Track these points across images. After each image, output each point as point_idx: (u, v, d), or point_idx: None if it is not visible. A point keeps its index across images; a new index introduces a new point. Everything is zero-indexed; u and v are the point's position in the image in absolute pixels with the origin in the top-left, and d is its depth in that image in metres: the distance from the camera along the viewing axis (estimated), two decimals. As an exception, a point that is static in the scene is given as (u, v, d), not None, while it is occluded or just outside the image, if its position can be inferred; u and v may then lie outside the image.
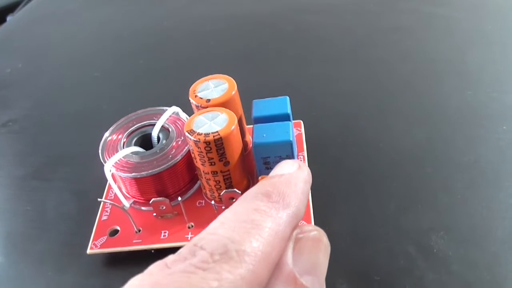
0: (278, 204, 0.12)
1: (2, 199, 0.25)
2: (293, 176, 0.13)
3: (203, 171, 0.19)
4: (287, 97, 0.21)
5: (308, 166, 0.22)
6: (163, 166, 0.19)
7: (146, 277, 0.10)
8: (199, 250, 0.10)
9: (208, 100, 0.20)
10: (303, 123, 0.24)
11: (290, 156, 0.19)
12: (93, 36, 0.40)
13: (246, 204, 0.12)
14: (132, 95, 0.31)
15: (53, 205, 0.24)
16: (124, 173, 0.19)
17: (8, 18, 0.58)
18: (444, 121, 0.24)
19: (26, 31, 0.44)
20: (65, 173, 0.26)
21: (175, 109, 0.22)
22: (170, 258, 0.10)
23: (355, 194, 0.21)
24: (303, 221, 0.19)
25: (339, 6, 0.37)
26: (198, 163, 0.19)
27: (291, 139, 0.19)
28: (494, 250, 0.18)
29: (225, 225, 0.11)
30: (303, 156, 0.22)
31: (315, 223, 0.19)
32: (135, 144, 0.21)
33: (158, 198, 0.19)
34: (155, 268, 0.10)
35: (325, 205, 0.21)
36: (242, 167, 0.20)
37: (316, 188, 0.21)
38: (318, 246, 0.12)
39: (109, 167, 0.19)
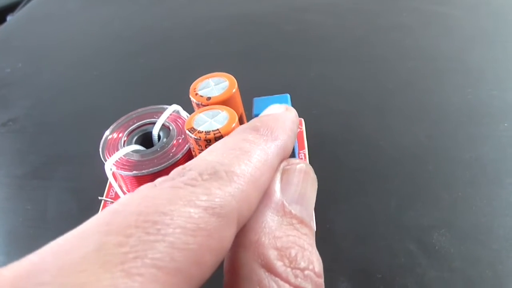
0: (267, 136, 0.12)
1: (2, 198, 0.25)
2: (281, 115, 0.13)
3: (204, 169, 0.19)
4: (288, 95, 0.21)
5: (309, 164, 0.22)
6: (164, 164, 0.19)
7: (135, 193, 0.10)
8: (187, 172, 0.10)
9: (209, 98, 0.20)
10: (304, 121, 0.24)
11: (292, 154, 0.19)
12: (93, 35, 0.40)
13: (235, 135, 0.12)
14: (132, 94, 0.31)
15: (53, 204, 0.24)
16: (125, 171, 0.19)
17: (8, 17, 0.58)
18: (445, 119, 0.24)
19: (26, 31, 0.44)
20: (65, 172, 0.26)
21: (175, 107, 0.22)
22: (159, 179, 0.10)
23: (356, 192, 0.21)
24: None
25: (339, 5, 0.37)
26: (199, 161, 0.19)
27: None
28: (496, 247, 0.18)
29: (213, 152, 0.11)
30: (304, 154, 0.22)
31: (316, 221, 0.19)
32: (136, 143, 0.21)
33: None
34: (143, 187, 0.10)
35: (326, 203, 0.21)
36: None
37: (317, 186, 0.21)
38: (305, 177, 0.12)
39: (109, 166, 0.19)
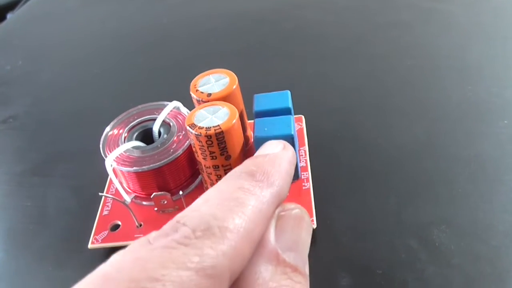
0: (262, 183, 0.12)
1: (2, 195, 0.25)
2: (277, 156, 0.13)
3: (205, 165, 0.19)
4: (288, 91, 0.21)
5: (309, 161, 0.22)
6: (164, 161, 0.19)
7: (128, 253, 0.10)
8: (181, 227, 0.10)
9: (209, 94, 0.20)
10: (304, 118, 0.24)
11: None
12: (93, 33, 0.40)
13: (230, 182, 0.12)
14: (132, 91, 0.31)
15: (53, 200, 0.24)
16: (125, 167, 0.19)
17: (8, 15, 0.58)
18: (444, 116, 0.24)
19: (26, 29, 0.44)
20: (65, 169, 0.26)
21: (175, 103, 0.22)
22: (153, 234, 0.10)
23: (356, 188, 0.21)
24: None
25: (339, 2, 0.37)
26: (199, 157, 0.19)
27: (292, 132, 0.19)
28: (496, 243, 0.18)
29: (208, 202, 0.11)
30: (305, 151, 0.22)
31: (316, 218, 0.19)
32: (136, 139, 0.21)
33: (160, 193, 0.19)
34: (137, 244, 0.10)
35: (326, 199, 0.21)
36: (244, 161, 0.20)
37: (317, 183, 0.21)
38: (300, 223, 0.12)
39: (110, 162, 0.19)
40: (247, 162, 0.13)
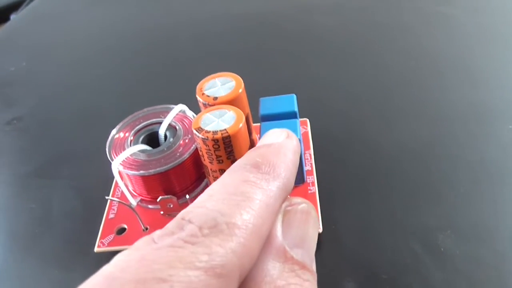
0: (268, 175, 0.11)
1: (7, 197, 0.25)
2: (282, 146, 0.13)
3: (211, 169, 0.19)
4: (294, 95, 0.21)
5: (314, 164, 0.22)
6: (170, 164, 0.19)
7: (132, 252, 0.09)
8: (187, 224, 0.10)
9: (215, 98, 0.20)
10: (309, 121, 0.24)
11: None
12: (98, 34, 0.40)
13: (235, 175, 0.11)
14: (137, 93, 0.32)
15: (58, 203, 0.24)
16: (131, 171, 0.19)
17: (12, 16, 0.58)
18: (449, 119, 0.24)
19: (30, 30, 0.44)
20: (70, 171, 0.26)
21: (181, 107, 0.22)
22: (157, 233, 0.10)
23: (361, 192, 0.21)
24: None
25: (344, 5, 0.37)
26: (206, 161, 0.19)
27: (298, 137, 0.19)
28: (501, 248, 0.18)
29: (213, 197, 0.11)
30: (310, 155, 0.22)
31: (322, 222, 0.19)
32: (142, 142, 0.21)
33: (166, 196, 0.19)
34: (141, 243, 0.10)
35: (332, 203, 0.21)
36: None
37: (323, 187, 0.21)
38: (307, 219, 0.12)
39: (116, 165, 0.19)
40: (251, 153, 0.12)
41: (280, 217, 0.12)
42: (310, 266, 0.11)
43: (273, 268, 0.11)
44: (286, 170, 0.12)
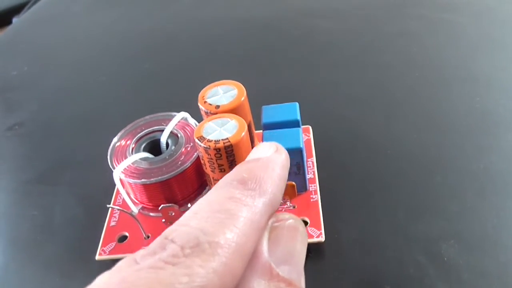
0: (254, 191, 0.11)
1: (8, 203, 0.25)
2: (270, 160, 0.12)
3: (213, 178, 0.19)
4: (297, 103, 0.21)
5: (317, 172, 0.22)
6: (172, 173, 0.19)
7: (114, 274, 0.09)
8: (169, 244, 0.10)
9: (218, 106, 0.20)
10: (312, 128, 0.24)
11: (300, 163, 0.19)
12: (99, 38, 0.40)
13: (220, 192, 0.11)
14: (138, 98, 0.31)
15: (60, 210, 0.24)
16: (133, 179, 0.19)
17: (14, 20, 0.58)
18: (452, 128, 0.24)
19: (32, 33, 0.44)
20: (71, 178, 0.26)
21: (183, 114, 0.22)
22: (140, 252, 0.10)
23: (364, 201, 0.21)
24: (314, 228, 0.19)
25: (347, 11, 0.37)
26: (207, 169, 0.19)
27: (301, 146, 0.19)
28: (505, 259, 0.18)
29: (197, 215, 0.10)
30: (312, 162, 0.22)
31: (324, 231, 0.19)
32: (144, 150, 0.21)
33: (167, 205, 0.19)
34: (123, 263, 0.10)
35: (334, 212, 0.21)
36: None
37: (325, 195, 0.21)
38: (294, 234, 0.12)
39: (118, 173, 0.19)
40: (238, 168, 0.12)
41: (266, 234, 0.11)
42: (297, 282, 0.11)
43: (258, 285, 0.10)
44: (273, 186, 0.12)
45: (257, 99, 0.22)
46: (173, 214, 0.19)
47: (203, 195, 0.21)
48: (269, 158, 0.13)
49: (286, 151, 0.13)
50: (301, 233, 0.12)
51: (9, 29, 0.47)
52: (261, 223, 0.11)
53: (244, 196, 0.11)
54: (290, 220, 0.12)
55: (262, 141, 0.19)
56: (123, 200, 0.21)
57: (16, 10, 0.60)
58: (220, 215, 0.10)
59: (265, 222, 0.11)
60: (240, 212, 0.11)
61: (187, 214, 0.11)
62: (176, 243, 0.10)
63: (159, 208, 0.19)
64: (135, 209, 0.20)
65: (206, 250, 0.09)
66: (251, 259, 0.11)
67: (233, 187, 0.11)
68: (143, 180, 0.19)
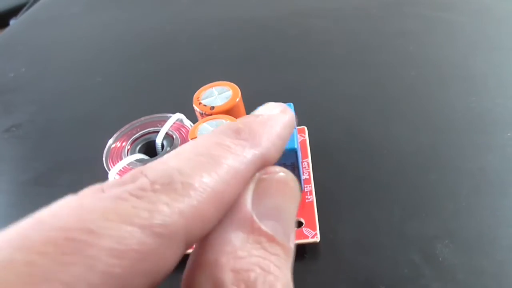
0: (246, 141, 0.10)
1: (6, 205, 0.25)
2: (271, 118, 0.12)
3: (208, 179, 0.19)
4: (291, 104, 0.21)
5: (313, 172, 0.22)
6: (167, 174, 0.19)
7: (74, 199, 0.09)
8: (141, 177, 0.09)
9: (212, 108, 0.20)
10: (307, 129, 0.24)
11: (295, 163, 0.19)
12: (96, 40, 0.40)
13: (210, 137, 0.11)
14: (135, 100, 0.31)
15: (57, 211, 0.24)
16: (128, 180, 0.19)
17: (11, 21, 0.58)
18: (448, 127, 0.24)
19: (29, 35, 0.44)
20: (68, 179, 0.26)
21: (179, 116, 0.22)
22: (109, 182, 0.09)
23: (360, 201, 0.21)
24: (309, 229, 0.19)
25: (343, 10, 0.37)
26: (202, 171, 0.19)
27: (295, 146, 0.19)
28: (500, 258, 0.18)
29: (179, 155, 0.10)
30: (308, 163, 0.22)
31: (320, 230, 0.19)
32: (139, 151, 0.21)
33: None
34: (89, 190, 0.09)
35: (330, 212, 0.21)
36: None
37: (320, 195, 0.21)
38: (284, 189, 0.11)
39: (113, 175, 0.19)
40: (236, 121, 0.12)
41: (251, 186, 0.11)
42: (282, 240, 0.10)
43: (235, 238, 0.10)
44: (268, 141, 0.11)
45: (253, 99, 0.22)
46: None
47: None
48: (270, 115, 0.12)
49: (293, 113, 0.13)
50: (291, 188, 0.11)
51: (6, 31, 0.47)
52: (246, 174, 0.10)
53: (234, 144, 0.10)
54: (280, 173, 0.11)
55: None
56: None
57: (14, 12, 0.60)
58: (203, 158, 0.10)
59: (251, 174, 0.10)
60: (224, 159, 0.10)
61: (170, 153, 0.10)
62: (147, 177, 0.09)
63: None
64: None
65: (177, 189, 0.09)
66: (232, 211, 0.10)
67: (224, 134, 0.11)
68: (138, 181, 0.19)
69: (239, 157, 0.10)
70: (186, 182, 0.09)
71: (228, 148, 0.10)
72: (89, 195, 0.09)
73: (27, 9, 0.51)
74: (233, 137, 0.11)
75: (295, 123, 0.13)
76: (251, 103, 0.22)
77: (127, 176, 0.09)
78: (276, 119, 0.12)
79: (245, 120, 0.11)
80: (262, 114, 0.12)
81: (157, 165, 0.10)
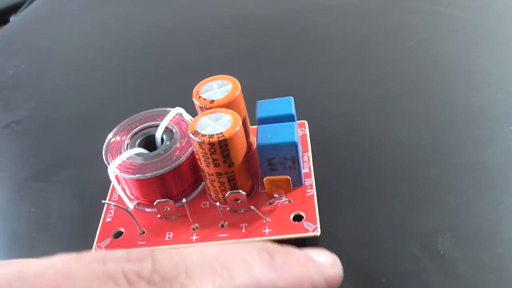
0: (275, 268, 0.10)
1: (5, 201, 0.25)
2: (315, 264, 0.11)
3: (208, 173, 0.19)
4: (292, 98, 0.21)
5: (313, 167, 0.22)
6: (167, 168, 0.19)
7: (68, 260, 0.09)
8: (148, 260, 0.09)
9: (212, 101, 0.19)
10: (308, 123, 0.24)
11: (295, 157, 0.19)
12: (97, 37, 0.40)
13: (243, 249, 0.10)
14: (135, 96, 0.31)
15: (56, 207, 0.24)
16: (128, 174, 0.19)
17: (11, 18, 0.58)
18: (449, 121, 0.24)
19: (29, 32, 0.44)
20: (68, 175, 0.26)
21: (178, 110, 0.21)
22: (116, 254, 0.09)
23: (360, 195, 0.21)
24: (309, 223, 0.19)
25: (343, 6, 0.37)
26: (202, 164, 0.19)
27: (295, 140, 0.19)
28: (501, 251, 0.18)
29: (200, 256, 0.09)
30: (308, 157, 0.22)
31: (320, 225, 0.19)
32: (139, 146, 0.21)
33: (163, 200, 0.19)
34: (91, 257, 0.09)
35: (330, 206, 0.20)
36: (247, 168, 0.19)
37: (321, 189, 0.21)
38: None
39: (113, 169, 0.19)
40: (282, 247, 0.11)
41: None
42: None
43: None
44: (296, 278, 0.10)
45: (254, 95, 0.22)
46: (169, 209, 0.19)
47: (198, 191, 0.21)
48: (315, 261, 0.11)
49: (340, 271, 0.11)
50: None
51: (6, 27, 0.47)
52: None
53: (259, 266, 0.10)
54: None
55: (257, 135, 0.19)
56: (119, 196, 0.21)
57: (14, 9, 0.60)
58: (219, 268, 0.09)
59: None
60: (239, 276, 0.09)
61: (195, 248, 0.10)
62: (153, 264, 0.09)
63: (154, 203, 0.19)
64: (130, 205, 0.20)
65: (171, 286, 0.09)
66: None
67: (256, 252, 0.10)
68: (138, 175, 0.19)
69: (255, 279, 0.09)
70: (185, 284, 0.09)
71: (250, 266, 0.09)
72: (87, 263, 0.09)
73: (26, 6, 0.51)
74: (263, 258, 0.10)
75: (338, 281, 0.12)
76: (252, 98, 0.22)
77: (137, 253, 0.09)
78: (318, 266, 0.11)
79: (289, 249, 0.11)
80: (308, 255, 0.11)
81: (172, 255, 0.09)
